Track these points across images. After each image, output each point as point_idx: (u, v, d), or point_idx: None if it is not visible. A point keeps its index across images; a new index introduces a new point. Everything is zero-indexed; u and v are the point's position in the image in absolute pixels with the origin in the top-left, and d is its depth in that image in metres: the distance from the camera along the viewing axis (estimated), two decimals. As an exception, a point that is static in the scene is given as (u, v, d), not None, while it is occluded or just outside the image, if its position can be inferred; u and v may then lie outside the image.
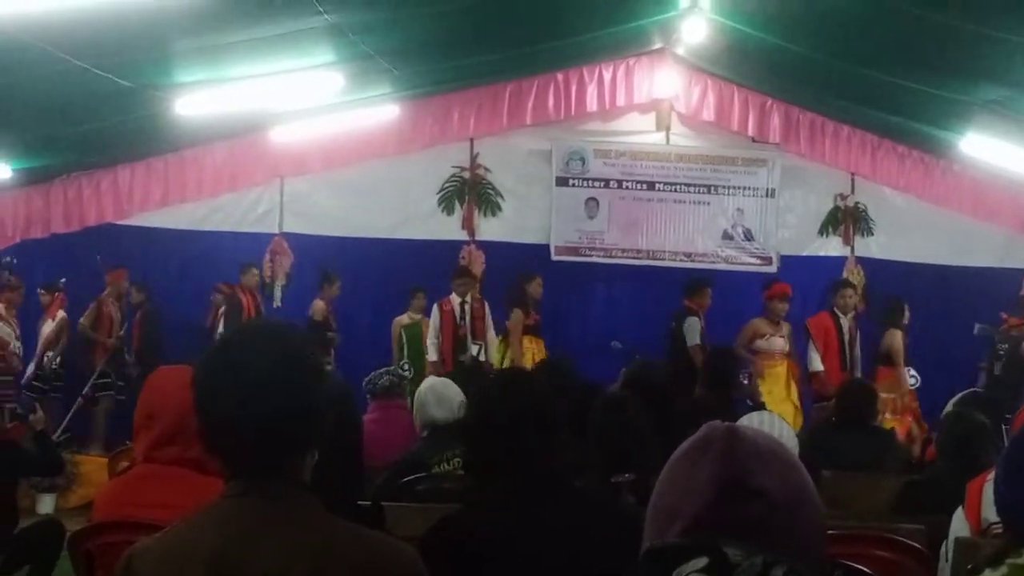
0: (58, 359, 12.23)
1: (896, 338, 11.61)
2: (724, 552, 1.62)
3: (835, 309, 11.98)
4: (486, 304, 12.31)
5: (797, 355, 11.89)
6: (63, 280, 12.35)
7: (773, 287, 11.89)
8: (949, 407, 6.46)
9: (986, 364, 12.50)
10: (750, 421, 4.50)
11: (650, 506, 1.81)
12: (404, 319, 12.47)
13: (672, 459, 1.82)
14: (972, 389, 8.42)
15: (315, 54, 9.44)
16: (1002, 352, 12.14)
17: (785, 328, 11.85)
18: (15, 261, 12.30)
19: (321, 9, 8.03)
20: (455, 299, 12.09)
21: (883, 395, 9.80)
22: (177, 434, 3.34)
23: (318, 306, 12.37)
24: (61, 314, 12.22)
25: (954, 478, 4.66)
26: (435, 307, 12.14)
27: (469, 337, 12.04)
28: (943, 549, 4.45)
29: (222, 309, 12.34)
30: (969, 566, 2.37)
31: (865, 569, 3.48)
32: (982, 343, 12.69)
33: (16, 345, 11.85)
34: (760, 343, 11.65)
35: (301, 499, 2.22)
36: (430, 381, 6.05)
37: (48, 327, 12.19)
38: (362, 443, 3.14)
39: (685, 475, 1.74)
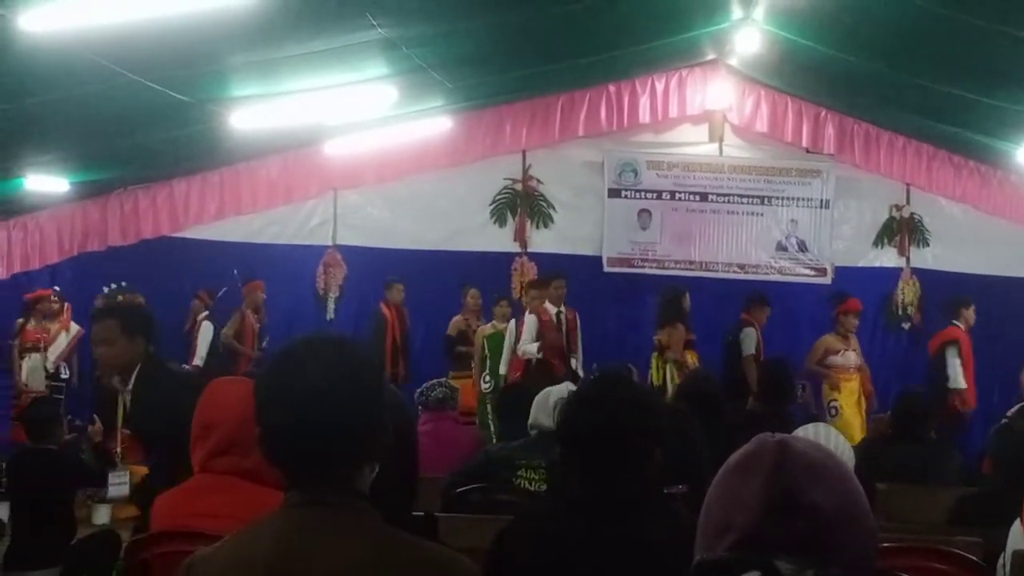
0: (67, 372, 12.16)
1: None
2: (775, 566, 1.62)
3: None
4: (578, 316, 12.21)
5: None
6: (57, 287, 12.38)
7: (846, 302, 11.96)
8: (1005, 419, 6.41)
9: None
10: (805, 433, 4.46)
11: (701, 519, 1.81)
12: (487, 328, 12.26)
13: (722, 472, 1.82)
14: (1029, 400, 8.32)
15: (368, 67, 9.48)
16: None
17: (854, 342, 11.93)
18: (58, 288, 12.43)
19: (375, 23, 8.07)
20: (551, 308, 11.84)
21: None
22: (233, 444, 3.36)
23: (454, 321, 12.52)
24: (75, 327, 12.12)
25: (1011, 490, 4.59)
26: (529, 315, 11.74)
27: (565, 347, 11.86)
28: (1000, 562, 4.40)
29: (202, 315, 12.34)
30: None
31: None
32: None
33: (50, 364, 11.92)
34: (835, 359, 11.77)
35: (360, 510, 2.23)
36: (558, 387, 5.93)
37: (63, 338, 12.16)
38: (418, 455, 3.14)
39: (736, 488, 1.74)
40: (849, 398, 11.63)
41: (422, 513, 3.08)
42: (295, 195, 13.36)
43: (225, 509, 3.23)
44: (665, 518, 3.19)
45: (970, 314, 12.19)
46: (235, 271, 12.56)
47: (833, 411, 11.42)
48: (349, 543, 2.18)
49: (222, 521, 3.02)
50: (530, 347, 11.46)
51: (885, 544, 4.24)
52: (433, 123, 12.55)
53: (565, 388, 5.80)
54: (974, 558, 4.24)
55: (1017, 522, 4.42)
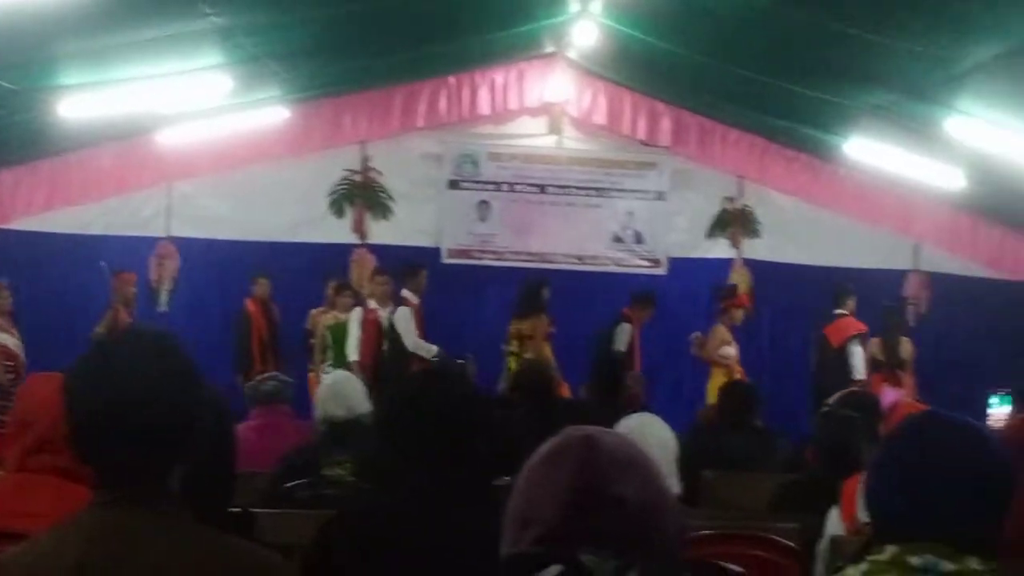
0: None
1: None
2: (579, 559, 1.63)
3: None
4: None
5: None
6: None
7: (737, 296, 12.38)
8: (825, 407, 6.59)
9: None
10: (630, 422, 4.54)
11: (507, 512, 1.81)
12: (328, 318, 12.11)
13: (528, 465, 1.82)
14: (851, 389, 8.56)
15: (202, 56, 9.34)
16: None
17: None
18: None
19: (208, 11, 7.95)
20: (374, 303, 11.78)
21: None
22: (49, 441, 3.26)
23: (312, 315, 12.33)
24: None
25: (829, 477, 4.73)
26: (359, 309, 11.77)
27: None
28: (818, 547, 4.53)
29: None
30: (838, 564, 2.42)
31: (734, 567, 3.53)
32: None
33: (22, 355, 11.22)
34: (728, 350, 12.14)
35: (169, 508, 2.17)
36: (333, 376, 5.93)
37: None
38: (235, 452, 3.09)
39: (541, 481, 1.74)
40: None
41: (239, 509, 3.02)
42: (128, 185, 12.99)
43: (39, 508, 3.11)
44: (491, 510, 3.20)
45: (853, 304, 12.52)
46: (102, 263, 12.06)
47: None
48: (157, 542, 2.12)
49: (36, 521, 2.92)
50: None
51: (706, 532, 4.34)
52: (270, 113, 12.36)
53: (344, 375, 5.81)
54: (791, 544, 4.36)
55: (835, 508, 4.56)
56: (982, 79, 8.41)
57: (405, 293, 11.57)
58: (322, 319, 12.15)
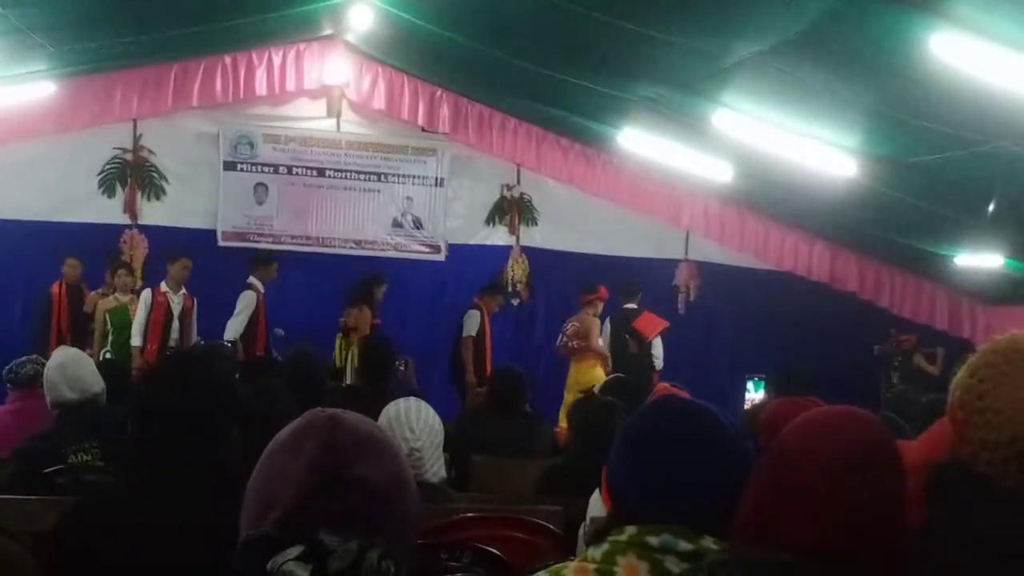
0: None
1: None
2: (320, 539, 1.62)
3: None
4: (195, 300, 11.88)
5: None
6: None
7: (599, 289, 12.59)
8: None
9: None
10: (398, 407, 4.53)
11: (246, 496, 1.79)
12: (109, 302, 11.67)
13: (269, 448, 1.81)
14: (616, 375, 8.75)
15: (-39, 27, 8.92)
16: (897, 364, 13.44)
17: None
18: None
19: (-34, -20, 7.60)
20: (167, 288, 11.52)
21: None
22: None
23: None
24: None
25: (589, 460, 4.82)
26: (148, 292, 11.48)
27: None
28: (581, 531, 4.61)
29: None
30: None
31: (495, 551, 3.58)
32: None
33: None
34: (601, 341, 12.55)
35: None
36: (60, 357, 5.70)
37: None
38: None
39: (283, 464, 1.73)
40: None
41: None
42: None
43: None
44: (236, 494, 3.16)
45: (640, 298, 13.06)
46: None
47: None
48: None
49: None
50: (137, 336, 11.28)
51: (469, 515, 4.38)
52: (35, 88, 11.84)
53: (72, 354, 5.64)
54: (552, 526, 4.44)
55: (597, 491, 4.65)
56: (745, 74, 8.71)
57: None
58: (102, 302, 11.74)
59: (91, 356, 10.43)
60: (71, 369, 5.40)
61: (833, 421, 2.22)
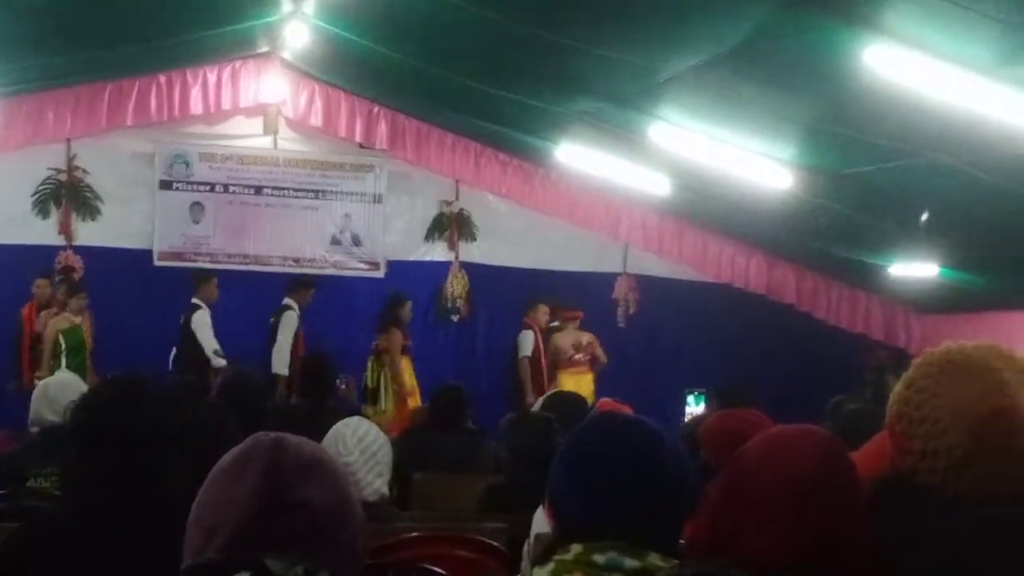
0: None
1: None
2: (265, 564, 1.61)
3: None
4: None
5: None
6: None
7: (576, 311, 13.47)
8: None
9: None
10: (346, 427, 4.51)
11: (189, 523, 1.78)
12: (62, 322, 11.51)
13: (213, 473, 1.79)
14: (556, 390, 8.76)
15: None
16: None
17: None
18: None
19: None
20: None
21: None
22: None
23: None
24: None
25: (530, 478, 4.82)
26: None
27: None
28: (525, 548, 4.60)
29: None
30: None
31: (438, 570, 3.57)
32: None
33: None
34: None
35: None
36: (50, 379, 5.67)
37: None
38: None
39: (227, 488, 1.72)
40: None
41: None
42: None
43: None
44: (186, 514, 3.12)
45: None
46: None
47: None
48: None
49: None
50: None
51: (413, 534, 4.36)
52: (-35, 108, 11.72)
53: (63, 378, 5.62)
54: (497, 544, 4.43)
55: (541, 508, 4.65)
56: (680, 88, 8.75)
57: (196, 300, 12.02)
58: (52, 322, 11.56)
59: (38, 379, 10.46)
60: (52, 391, 5.37)
61: (793, 441, 2.22)
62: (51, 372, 10.82)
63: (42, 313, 11.81)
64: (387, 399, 12.34)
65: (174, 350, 12.09)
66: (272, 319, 12.18)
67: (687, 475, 2.26)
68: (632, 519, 2.17)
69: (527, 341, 13.17)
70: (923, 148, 8.33)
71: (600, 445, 2.29)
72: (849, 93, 7.63)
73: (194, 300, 12.00)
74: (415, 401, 12.05)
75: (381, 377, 12.41)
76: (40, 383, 5.53)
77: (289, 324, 11.98)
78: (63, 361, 11.28)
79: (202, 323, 11.82)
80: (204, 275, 12.29)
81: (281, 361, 12.00)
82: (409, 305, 12.79)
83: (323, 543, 1.69)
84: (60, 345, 11.40)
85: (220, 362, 11.51)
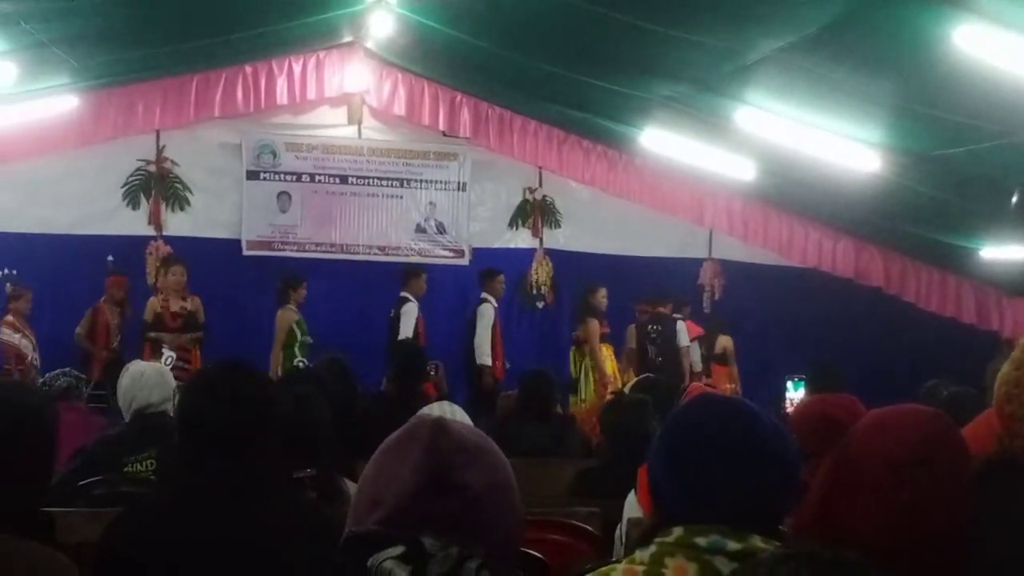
0: None
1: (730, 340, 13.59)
2: (421, 542, 1.65)
3: None
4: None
5: None
6: None
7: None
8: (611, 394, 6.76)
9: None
10: (430, 411, 4.54)
11: (355, 495, 1.83)
12: (292, 315, 11.86)
13: (380, 449, 1.84)
14: (647, 374, 8.76)
15: (-16, 43, 8.97)
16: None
17: None
18: (15, 272, 11.93)
19: (-11, -4, 7.65)
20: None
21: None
22: None
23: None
24: None
25: (624, 462, 4.82)
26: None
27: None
28: (618, 532, 4.62)
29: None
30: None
31: (536, 554, 3.59)
32: None
33: (35, 356, 11.21)
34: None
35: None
36: (137, 366, 5.69)
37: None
38: (45, 453, 2.98)
39: (390, 465, 1.76)
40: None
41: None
42: (-92, 177, 12.43)
43: None
44: (286, 504, 3.18)
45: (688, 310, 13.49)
46: (109, 258, 12.29)
47: None
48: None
49: None
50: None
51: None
52: (58, 102, 11.90)
53: (154, 366, 5.70)
54: (591, 528, 4.44)
55: (633, 492, 4.65)
56: (767, 71, 8.68)
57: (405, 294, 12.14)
58: (284, 314, 11.89)
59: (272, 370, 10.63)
60: (149, 379, 5.43)
61: (900, 419, 2.20)
62: (286, 362, 11.38)
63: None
64: (587, 388, 12.44)
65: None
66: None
67: (789, 455, 2.24)
68: (734, 501, 2.16)
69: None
70: (1014, 128, 8.20)
71: (700, 427, 2.27)
72: (939, 73, 7.53)
73: (403, 293, 12.17)
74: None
75: (582, 366, 12.59)
76: (134, 369, 5.58)
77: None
78: (296, 351, 11.66)
79: (408, 315, 11.96)
80: (414, 269, 12.51)
81: (483, 352, 12.23)
82: (603, 291, 12.75)
83: (480, 528, 1.71)
84: (295, 335, 11.73)
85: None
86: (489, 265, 13.13)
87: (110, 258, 12.36)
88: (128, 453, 5.15)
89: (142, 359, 8.31)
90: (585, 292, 12.74)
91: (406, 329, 11.80)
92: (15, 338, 11.23)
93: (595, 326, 12.49)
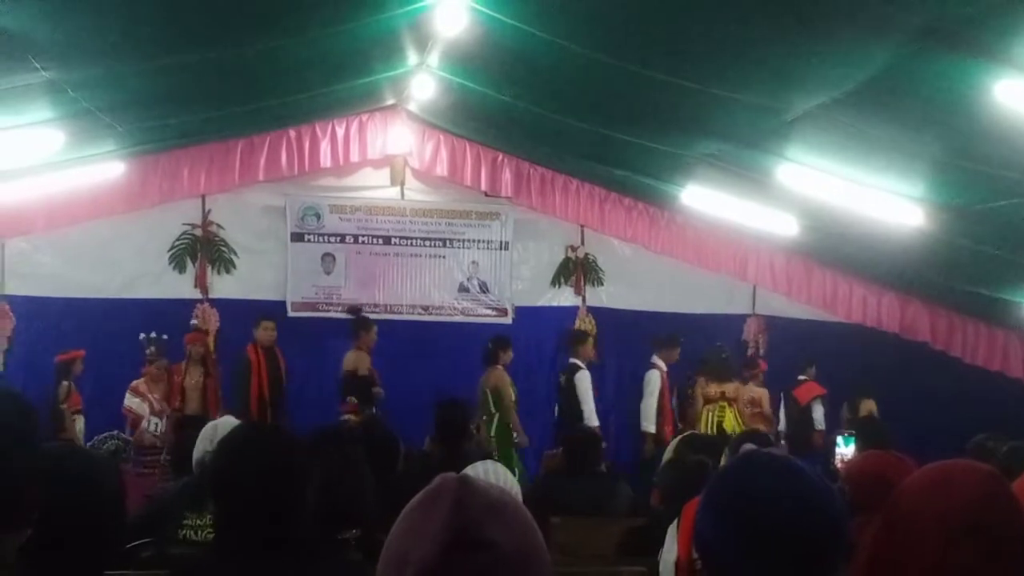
0: None
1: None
2: (452, 601, 1.65)
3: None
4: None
5: None
6: None
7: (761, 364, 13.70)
8: (668, 451, 6.71)
9: None
10: (475, 471, 4.55)
11: (382, 554, 1.82)
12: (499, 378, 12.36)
13: (406, 508, 1.83)
14: (691, 431, 8.72)
15: (32, 111, 9.10)
16: None
17: None
18: (165, 336, 12.31)
19: (38, 65, 7.77)
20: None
21: None
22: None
23: (358, 359, 12.25)
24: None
25: (674, 520, 4.80)
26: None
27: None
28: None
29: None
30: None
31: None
32: None
33: (153, 421, 11.35)
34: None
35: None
36: (217, 421, 5.78)
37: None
38: (112, 514, 2.99)
39: (417, 524, 1.75)
40: None
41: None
42: (-39, 244, 12.64)
43: None
44: (330, 563, 3.19)
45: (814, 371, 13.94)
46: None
47: None
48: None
49: None
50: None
51: (554, 577, 4.37)
52: (105, 168, 12.10)
53: (231, 420, 5.71)
54: (636, 587, 4.42)
55: (673, 525, 4.61)
56: (808, 127, 8.68)
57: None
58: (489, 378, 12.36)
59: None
60: (216, 431, 5.42)
61: (954, 476, 2.17)
62: (486, 425, 11.88)
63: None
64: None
65: (556, 408, 12.83)
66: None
67: (840, 514, 2.23)
68: (788, 562, 2.14)
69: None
70: (1058, 181, 8.16)
71: (750, 487, 2.25)
72: (980, 128, 7.51)
73: (572, 360, 12.68)
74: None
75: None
76: (209, 424, 5.63)
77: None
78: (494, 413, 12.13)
79: (584, 383, 12.40)
80: (581, 336, 13.08)
81: (648, 418, 12.86)
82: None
83: None
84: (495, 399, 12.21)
85: (595, 422, 12.06)
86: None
87: (142, 335, 12.54)
88: (190, 508, 5.17)
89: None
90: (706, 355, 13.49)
91: (585, 398, 12.34)
92: (134, 402, 11.56)
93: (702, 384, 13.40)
